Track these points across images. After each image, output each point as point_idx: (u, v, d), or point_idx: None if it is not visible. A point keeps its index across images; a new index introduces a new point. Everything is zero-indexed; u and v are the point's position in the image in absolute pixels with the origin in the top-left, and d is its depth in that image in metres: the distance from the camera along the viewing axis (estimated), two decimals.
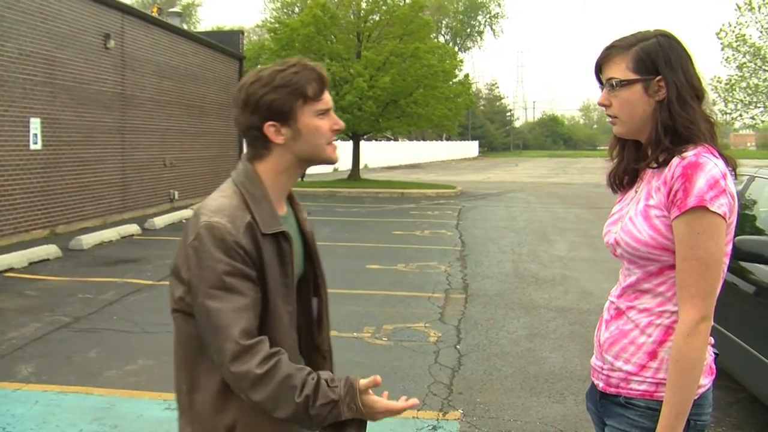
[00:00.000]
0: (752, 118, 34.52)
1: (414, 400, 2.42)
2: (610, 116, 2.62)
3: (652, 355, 2.51)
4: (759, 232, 6.51)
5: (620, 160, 2.71)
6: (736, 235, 4.79)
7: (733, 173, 2.48)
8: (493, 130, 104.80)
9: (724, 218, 2.37)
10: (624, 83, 2.53)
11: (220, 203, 2.38)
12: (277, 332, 2.39)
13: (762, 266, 5.76)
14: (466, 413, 6.35)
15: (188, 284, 2.34)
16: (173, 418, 6.03)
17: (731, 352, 6.03)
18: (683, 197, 2.36)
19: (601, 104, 2.63)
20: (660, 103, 2.50)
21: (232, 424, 2.40)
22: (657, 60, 2.50)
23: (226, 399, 2.39)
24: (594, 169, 54.85)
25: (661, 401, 2.45)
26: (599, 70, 2.63)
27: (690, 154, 2.41)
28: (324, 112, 2.48)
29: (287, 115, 2.41)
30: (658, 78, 2.49)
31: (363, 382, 2.35)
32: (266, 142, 2.44)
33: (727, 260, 2.48)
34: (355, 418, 2.34)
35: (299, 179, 32.74)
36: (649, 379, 2.50)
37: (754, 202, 7.04)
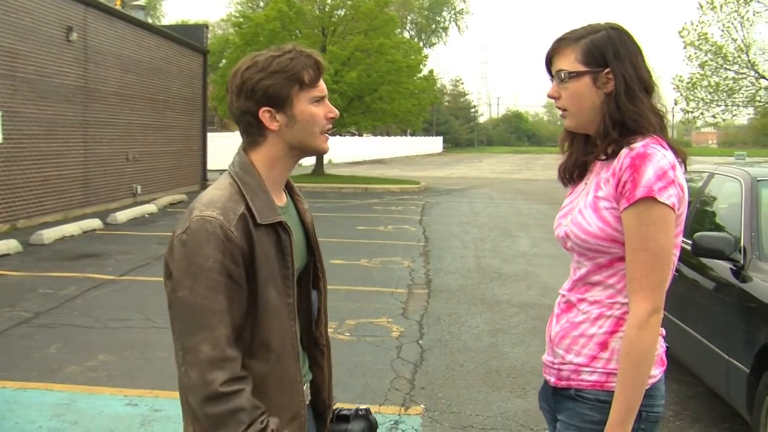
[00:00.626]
0: (713, 116, 34.80)
1: None
2: (559, 108, 2.62)
3: (603, 345, 2.50)
4: (718, 228, 6.58)
5: (570, 153, 2.72)
6: (693, 231, 4.84)
7: (682, 165, 2.48)
8: (457, 126, 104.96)
9: (673, 209, 2.36)
10: (573, 75, 2.53)
11: (212, 195, 2.34)
12: (272, 326, 2.35)
13: (720, 262, 5.84)
14: (428, 408, 6.38)
15: (171, 276, 2.29)
16: (134, 413, 6.06)
17: (690, 347, 6.11)
18: (632, 188, 2.36)
19: (550, 96, 2.63)
20: (608, 96, 2.50)
21: None
22: (606, 52, 2.50)
23: None
24: (557, 165, 54.98)
25: (612, 392, 2.45)
26: (549, 62, 2.62)
27: (638, 145, 2.41)
28: (319, 99, 2.45)
29: (283, 101, 2.38)
30: (607, 70, 2.50)
31: None
32: (261, 129, 2.40)
33: (677, 252, 2.49)
34: None
35: None
36: (599, 370, 2.49)
37: (714, 199, 7.13)
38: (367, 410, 2.75)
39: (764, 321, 5.09)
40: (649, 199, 2.34)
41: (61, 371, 7.13)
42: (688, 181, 2.53)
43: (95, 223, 17.41)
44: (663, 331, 2.54)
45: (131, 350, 7.80)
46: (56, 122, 18.64)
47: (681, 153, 2.51)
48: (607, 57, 2.50)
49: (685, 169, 2.52)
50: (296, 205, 2.63)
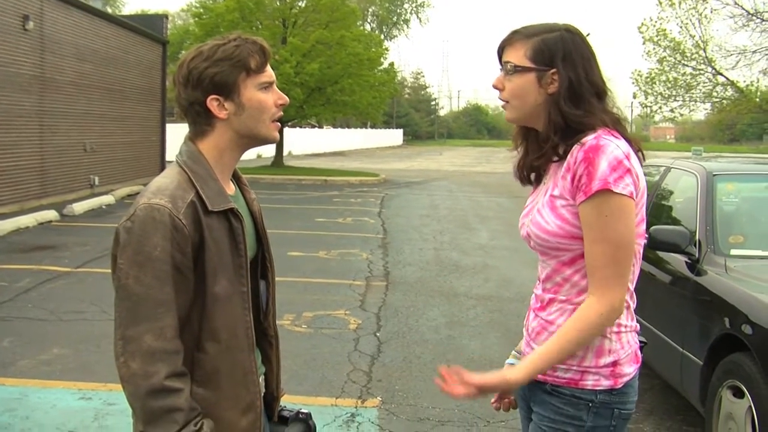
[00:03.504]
0: (671, 110, 35.09)
1: None
2: (501, 100, 2.62)
3: None
4: (675, 221, 6.63)
5: (525, 152, 2.71)
6: (650, 224, 4.86)
7: (638, 153, 2.50)
8: (417, 119, 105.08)
9: (631, 198, 2.37)
10: (518, 69, 2.53)
11: (160, 184, 2.32)
12: (221, 316, 2.33)
13: (676, 255, 5.88)
14: (384, 400, 6.38)
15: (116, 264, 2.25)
16: (88, 407, 5.99)
17: (646, 340, 6.14)
18: (587, 181, 2.36)
19: (494, 87, 2.63)
20: (551, 96, 2.50)
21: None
22: (555, 53, 2.50)
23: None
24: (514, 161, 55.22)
25: (586, 389, 2.49)
26: (501, 52, 2.63)
27: (590, 137, 2.42)
28: (267, 86, 2.42)
29: (230, 89, 2.36)
30: (552, 71, 2.50)
31: None
32: (209, 118, 2.39)
33: (641, 241, 2.50)
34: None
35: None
36: (574, 367, 2.50)
37: (671, 193, 7.18)
38: (308, 414, 2.73)
39: (718, 314, 5.14)
40: (606, 191, 2.34)
41: (13, 365, 7.03)
42: (645, 174, 2.54)
43: (51, 214, 17.19)
44: (638, 327, 2.56)
45: (86, 343, 7.71)
46: (11, 112, 18.34)
47: (635, 142, 2.52)
48: (555, 58, 2.50)
49: (643, 156, 2.53)
50: (244, 195, 2.61)
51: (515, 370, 2.49)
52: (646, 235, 5.58)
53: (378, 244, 14.94)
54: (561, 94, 2.49)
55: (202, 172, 2.37)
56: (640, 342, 2.63)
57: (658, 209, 7.01)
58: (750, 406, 4.55)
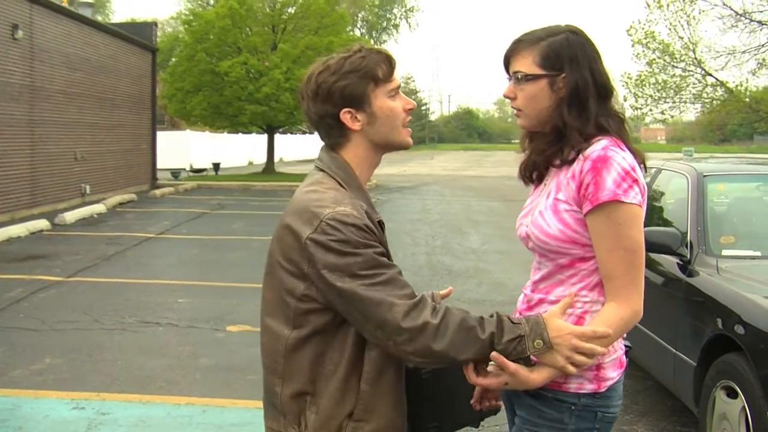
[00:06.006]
0: (662, 112, 35.16)
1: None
2: (514, 108, 2.62)
3: None
4: (666, 223, 6.64)
5: (530, 153, 2.72)
6: (643, 225, 4.86)
7: (642, 166, 2.50)
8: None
9: (640, 206, 2.40)
10: (529, 78, 2.53)
11: (334, 195, 2.36)
12: None
13: (668, 257, 5.88)
14: None
15: (313, 277, 2.30)
16: (80, 417, 5.97)
17: (638, 341, 6.14)
18: (594, 191, 2.37)
19: (506, 96, 2.63)
20: (561, 100, 2.52)
21: (351, 411, 2.37)
22: (563, 57, 2.51)
23: (347, 389, 2.36)
24: (508, 162, 55.30)
25: (569, 392, 2.48)
26: (508, 62, 2.62)
27: (598, 148, 2.43)
28: (395, 93, 2.48)
29: (361, 100, 2.41)
30: (563, 75, 2.51)
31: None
32: (343, 130, 2.45)
33: None
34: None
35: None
36: None
37: (662, 194, 7.19)
38: None
39: (710, 315, 5.14)
40: (616, 202, 2.36)
41: (5, 375, 7.00)
42: None
43: (43, 223, 17.15)
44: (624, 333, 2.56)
45: (78, 353, 7.69)
46: (2, 121, 18.32)
47: (639, 154, 2.53)
48: (563, 61, 2.51)
49: (645, 170, 2.54)
50: None
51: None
52: None
53: None
54: (564, 100, 2.51)
55: (353, 184, 2.44)
56: (625, 346, 2.63)
57: (650, 211, 6.99)
58: (744, 406, 4.55)
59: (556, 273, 2.56)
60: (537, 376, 2.37)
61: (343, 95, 2.39)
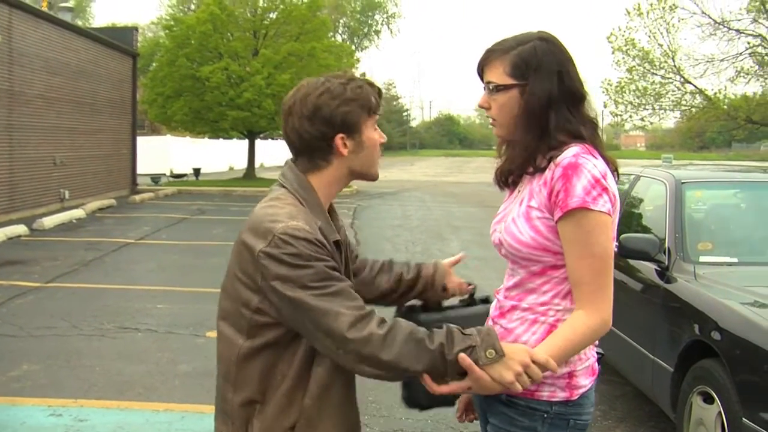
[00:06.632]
0: (641, 119, 35.47)
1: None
2: (490, 117, 2.62)
3: None
4: (644, 230, 6.67)
5: (505, 160, 2.71)
6: (620, 232, 4.89)
7: (614, 173, 2.49)
8: (389, 130, 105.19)
9: (609, 215, 2.38)
10: (501, 88, 2.53)
11: (290, 210, 2.41)
12: None
13: (646, 263, 5.91)
14: None
15: (266, 290, 2.34)
16: (58, 424, 5.94)
17: (617, 347, 6.18)
18: (564, 197, 2.37)
19: (481, 106, 2.62)
20: (523, 109, 2.52)
21: (293, 424, 2.42)
22: (531, 65, 2.50)
23: (291, 402, 2.41)
24: (488, 168, 54.62)
25: (542, 400, 2.48)
26: (481, 71, 2.62)
27: (569, 155, 2.42)
28: (376, 126, 2.55)
29: (355, 128, 2.48)
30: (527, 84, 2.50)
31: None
32: (328, 154, 2.50)
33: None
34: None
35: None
36: None
37: (640, 201, 7.23)
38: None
39: (688, 321, 5.17)
40: (584, 209, 2.36)
41: None
42: (615, 183, 2.55)
43: (21, 229, 17.01)
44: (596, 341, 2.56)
45: (56, 359, 7.65)
46: None
47: (612, 162, 2.52)
48: (530, 71, 2.50)
49: (618, 177, 2.53)
50: (335, 223, 2.69)
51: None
52: (616, 244, 5.63)
53: None
54: (524, 109, 2.50)
55: (313, 203, 2.50)
56: (598, 354, 2.63)
57: (628, 217, 7.05)
58: (720, 412, 4.58)
59: (527, 281, 2.55)
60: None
61: (343, 121, 2.45)
